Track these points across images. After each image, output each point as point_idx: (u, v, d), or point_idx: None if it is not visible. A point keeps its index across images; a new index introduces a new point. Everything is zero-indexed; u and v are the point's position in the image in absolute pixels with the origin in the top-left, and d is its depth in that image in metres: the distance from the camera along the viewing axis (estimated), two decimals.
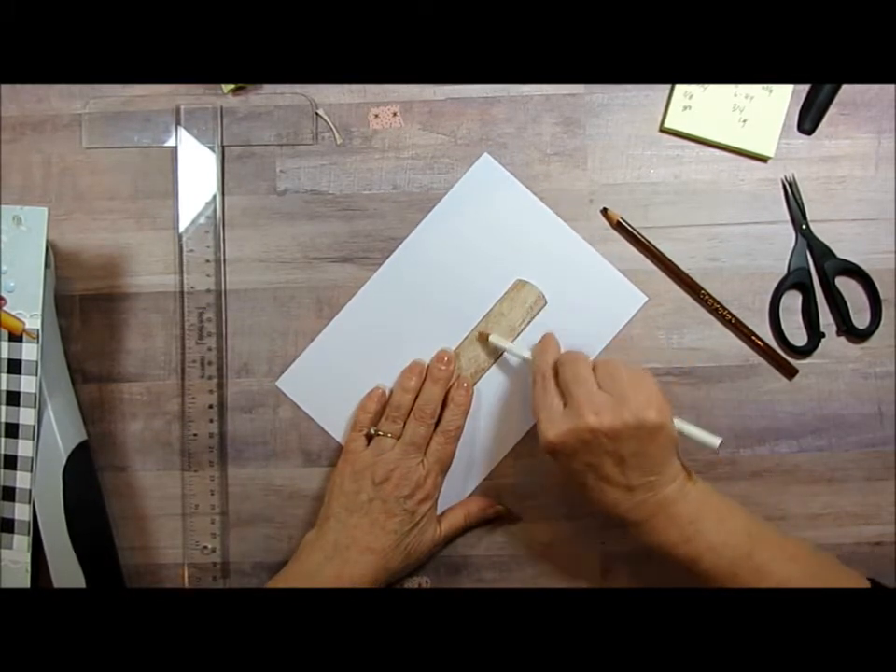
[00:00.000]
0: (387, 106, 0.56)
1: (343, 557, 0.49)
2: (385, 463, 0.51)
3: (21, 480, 0.51)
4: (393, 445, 0.51)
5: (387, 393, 0.54)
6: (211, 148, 0.55)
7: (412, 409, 0.53)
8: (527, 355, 0.52)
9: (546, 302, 0.55)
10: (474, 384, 0.55)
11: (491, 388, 0.55)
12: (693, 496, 0.46)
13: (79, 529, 0.52)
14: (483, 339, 0.54)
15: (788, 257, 0.55)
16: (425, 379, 0.53)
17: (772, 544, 0.46)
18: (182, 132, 0.55)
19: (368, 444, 0.52)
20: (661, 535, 0.46)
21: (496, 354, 0.55)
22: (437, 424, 0.53)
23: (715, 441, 0.47)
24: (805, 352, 0.55)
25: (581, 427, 0.45)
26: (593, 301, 0.55)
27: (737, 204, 0.55)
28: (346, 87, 0.56)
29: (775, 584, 0.44)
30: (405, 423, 0.52)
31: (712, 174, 0.56)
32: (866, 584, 0.45)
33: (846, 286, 0.55)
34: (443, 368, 0.53)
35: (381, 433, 0.52)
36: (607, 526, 0.55)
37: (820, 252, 0.55)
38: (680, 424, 0.47)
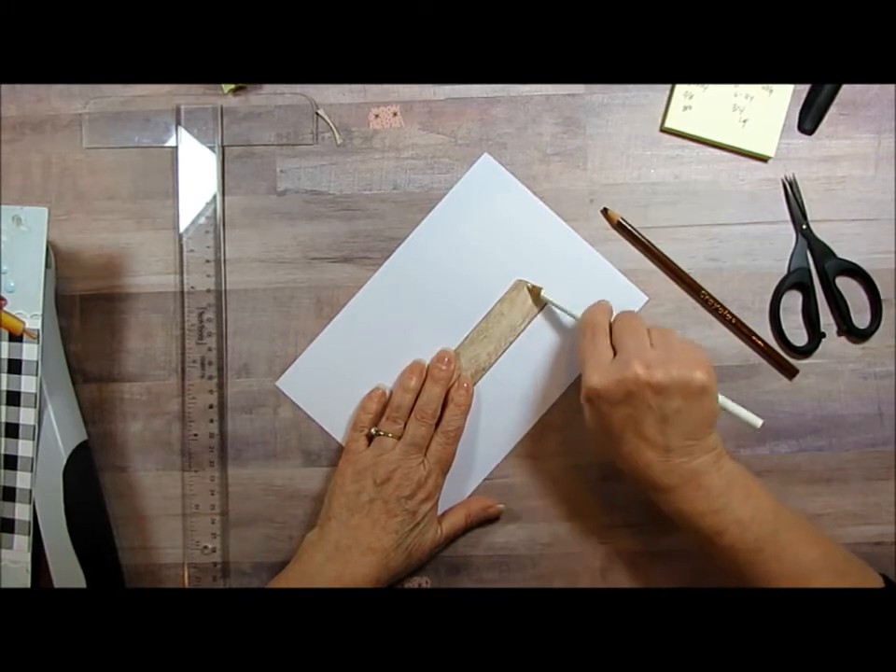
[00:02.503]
0: (387, 106, 0.56)
1: (344, 558, 0.49)
2: (387, 463, 0.51)
3: (22, 480, 0.51)
4: (394, 445, 0.51)
5: (388, 393, 0.54)
6: (211, 148, 0.55)
7: (412, 409, 0.53)
8: (578, 314, 0.52)
9: (546, 303, 0.55)
10: (474, 384, 0.55)
11: (491, 388, 0.55)
12: (726, 469, 0.46)
13: (79, 529, 0.52)
14: (535, 293, 0.54)
15: (788, 257, 0.55)
16: (425, 379, 0.53)
17: (797, 526, 0.46)
18: (182, 132, 0.55)
19: (369, 444, 0.52)
20: (689, 503, 0.46)
21: (496, 353, 0.55)
22: (437, 424, 0.53)
23: (757, 421, 0.48)
24: (805, 352, 0.55)
25: (628, 377, 0.45)
26: (593, 301, 0.55)
27: (737, 204, 0.55)
28: (346, 87, 0.56)
29: (794, 565, 0.44)
30: (406, 423, 0.52)
31: (712, 174, 0.56)
32: (880, 582, 0.45)
33: (846, 286, 0.55)
34: (444, 368, 0.53)
35: (382, 433, 0.52)
36: (607, 526, 0.55)
37: (821, 252, 0.55)
38: (724, 400, 0.48)
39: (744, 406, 0.55)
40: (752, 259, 0.55)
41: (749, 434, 0.55)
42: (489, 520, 0.55)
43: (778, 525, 0.45)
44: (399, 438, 0.52)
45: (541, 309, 0.55)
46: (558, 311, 0.54)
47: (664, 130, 0.56)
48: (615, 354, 0.47)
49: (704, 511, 0.45)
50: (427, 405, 0.52)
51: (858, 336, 0.55)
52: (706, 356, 0.46)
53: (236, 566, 0.55)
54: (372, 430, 0.52)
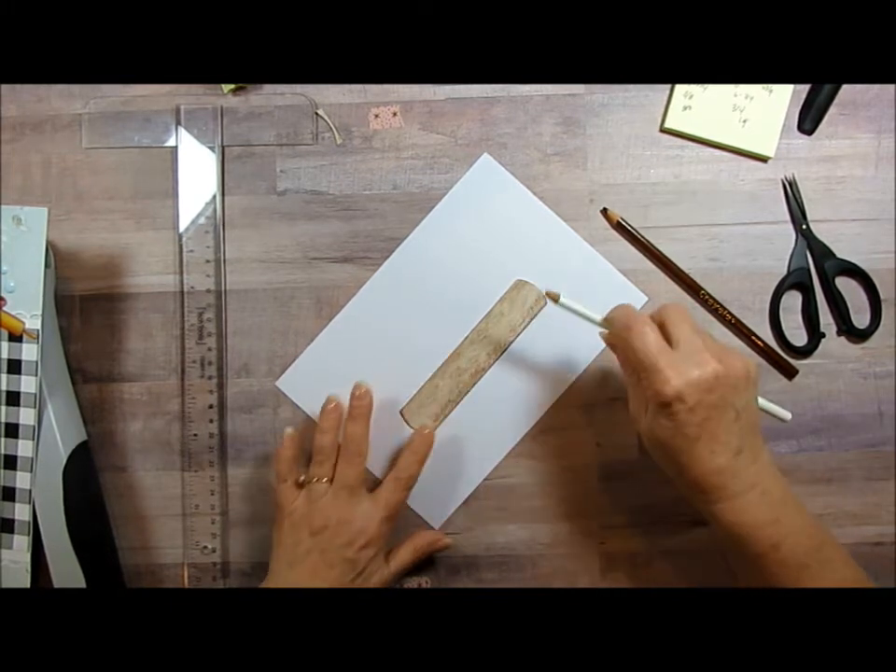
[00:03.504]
0: (387, 106, 0.56)
1: None
2: (321, 510, 0.49)
3: (21, 480, 0.51)
4: (326, 490, 0.50)
5: (298, 435, 0.52)
6: (211, 148, 0.55)
7: (337, 447, 0.51)
8: (598, 318, 0.48)
9: (546, 302, 0.55)
10: (474, 384, 0.55)
11: (491, 388, 0.55)
12: (779, 474, 0.45)
13: (79, 529, 0.52)
14: (553, 297, 0.49)
15: (788, 257, 0.55)
16: (346, 417, 0.52)
17: (834, 543, 0.45)
18: (182, 132, 0.55)
19: (300, 492, 0.51)
20: (753, 512, 0.43)
21: (496, 353, 0.55)
22: (391, 467, 0.52)
23: (787, 414, 0.49)
24: (804, 352, 0.55)
25: (708, 373, 0.42)
26: (593, 301, 0.55)
27: (737, 204, 0.55)
28: (346, 87, 0.56)
29: (835, 584, 0.43)
30: (334, 463, 0.51)
31: (712, 174, 0.56)
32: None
33: (846, 286, 0.55)
34: (359, 403, 0.52)
35: (313, 479, 0.50)
36: (607, 526, 0.55)
37: (820, 252, 0.55)
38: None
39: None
40: (752, 258, 0.55)
41: None
42: (437, 552, 0.54)
43: (823, 540, 0.44)
44: (329, 479, 0.50)
45: (540, 310, 0.55)
46: (577, 315, 0.50)
47: (663, 130, 0.56)
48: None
49: (766, 521, 0.43)
50: (352, 444, 0.50)
51: (858, 336, 0.55)
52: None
53: (236, 566, 0.55)
54: (301, 478, 0.51)
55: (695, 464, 0.43)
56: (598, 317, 0.48)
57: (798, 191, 0.55)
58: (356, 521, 0.49)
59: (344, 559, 0.49)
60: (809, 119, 0.55)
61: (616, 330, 0.46)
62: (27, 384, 0.50)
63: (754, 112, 0.55)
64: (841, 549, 0.45)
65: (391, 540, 0.52)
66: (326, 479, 0.51)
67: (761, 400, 0.48)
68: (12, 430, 0.50)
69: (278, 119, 0.56)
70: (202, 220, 0.55)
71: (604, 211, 0.55)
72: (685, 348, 0.43)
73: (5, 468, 0.51)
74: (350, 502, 0.50)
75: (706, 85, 0.55)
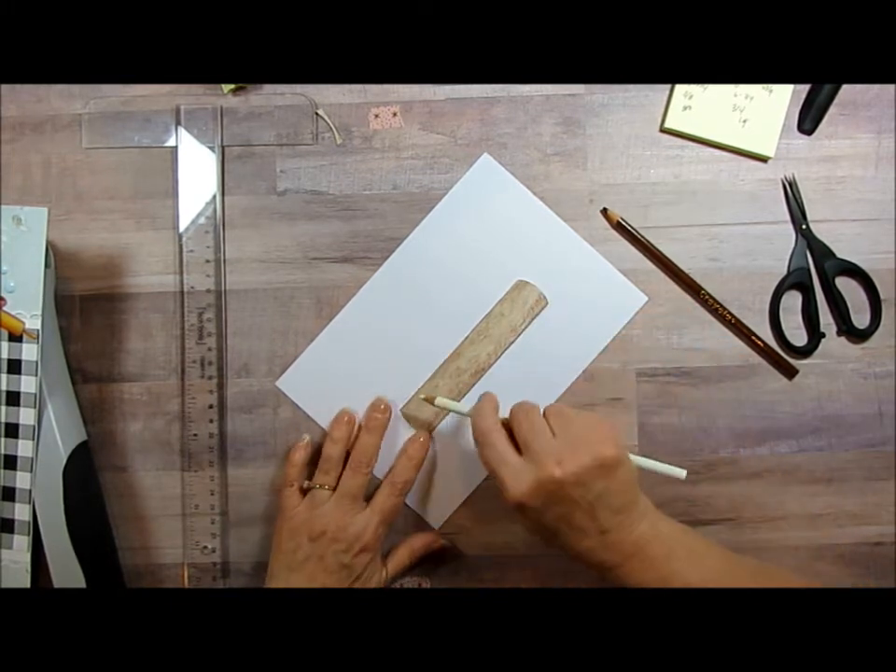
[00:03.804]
0: (387, 106, 0.56)
1: None
2: (321, 517, 0.50)
3: (21, 480, 0.51)
4: (328, 497, 0.51)
5: (312, 443, 0.54)
6: (211, 148, 0.55)
7: (344, 458, 0.52)
8: (466, 410, 0.51)
9: (547, 303, 0.55)
10: (474, 384, 0.55)
11: (491, 388, 0.55)
12: (666, 533, 0.45)
13: (79, 529, 0.52)
14: (430, 400, 0.52)
15: (788, 257, 0.55)
16: (358, 427, 0.53)
17: (746, 579, 0.45)
18: (182, 132, 0.55)
19: (303, 497, 0.52)
20: (638, 577, 0.45)
21: (496, 353, 0.55)
22: (388, 473, 0.52)
23: (681, 472, 0.47)
24: (804, 352, 0.55)
25: (545, 479, 0.43)
26: (593, 302, 0.55)
27: (737, 204, 0.55)
28: (346, 87, 0.56)
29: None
30: (340, 473, 0.51)
31: (712, 174, 0.56)
32: None
33: (846, 286, 0.55)
34: (378, 416, 0.53)
35: (316, 486, 0.51)
36: None
37: (820, 252, 0.55)
38: (641, 460, 0.47)
39: (744, 406, 0.55)
40: (752, 258, 0.55)
41: (750, 434, 0.55)
42: (435, 554, 0.54)
43: (731, 581, 0.45)
44: (332, 488, 0.51)
45: (541, 310, 0.55)
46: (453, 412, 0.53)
47: (663, 130, 0.56)
48: (520, 451, 0.46)
49: (654, 579, 0.44)
50: (363, 454, 0.51)
51: (858, 336, 0.55)
52: (606, 421, 0.46)
53: (236, 566, 0.55)
54: (305, 484, 0.52)
55: (567, 547, 0.46)
56: (466, 411, 0.51)
57: (798, 191, 0.55)
58: (353, 527, 0.50)
59: (342, 565, 0.49)
60: (809, 119, 0.55)
61: (473, 433, 0.48)
62: (27, 384, 0.50)
63: (754, 112, 0.55)
64: (756, 580, 0.45)
65: (387, 541, 0.52)
66: (329, 487, 0.51)
67: (649, 463, 0.47)
68: (12, 430, 0.50)
69: (278, 118, 0.56)
70: (202, 220, 0.55)
71: (604, 211, 0.55)
72: (529, 456, 0.45)
73: (5, 468, 0.51)
74: (350, 510, 0.50)
75: (706, 85, 0.55)
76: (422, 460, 0.53)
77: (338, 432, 0.53)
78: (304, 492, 0.52)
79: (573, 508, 0.44)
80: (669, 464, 0.47)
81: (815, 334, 0.55)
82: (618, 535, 0.45)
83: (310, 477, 0.53)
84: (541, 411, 0.47)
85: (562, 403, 0.50)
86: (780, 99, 0.55)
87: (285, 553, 0.50)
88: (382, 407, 0.53)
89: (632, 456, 0.46)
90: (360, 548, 0.50)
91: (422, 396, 0.54)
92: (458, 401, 0.55)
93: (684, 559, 0.45)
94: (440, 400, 0.52)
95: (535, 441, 0.45)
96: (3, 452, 0.50)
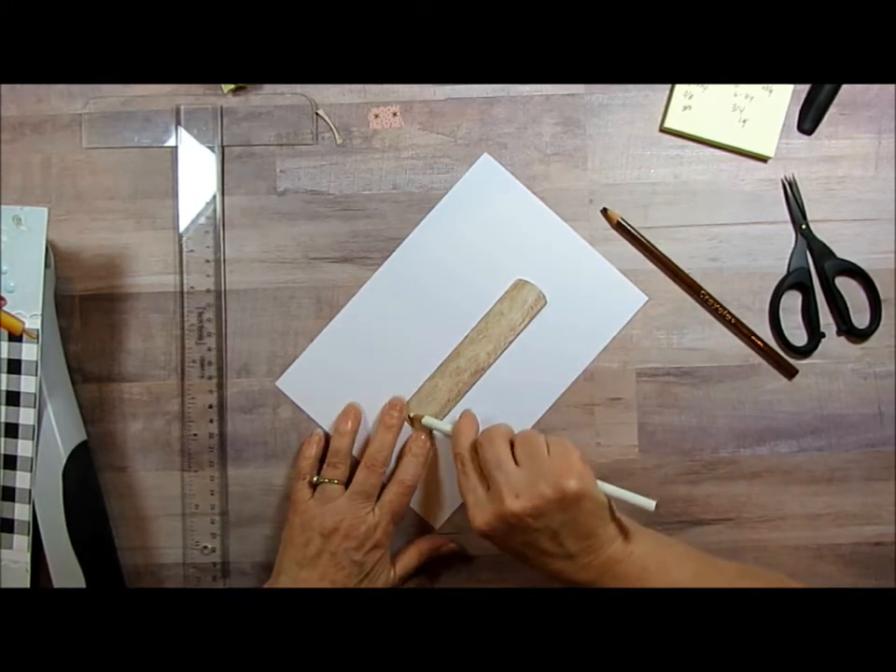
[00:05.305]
0: (387, 106, 0.56)
1: None
2: (333, 513, 0.50)
3: (21, 480, 0.51)
4: (339, 493, 0.51)
5: (325, 437, 0.54)
6: (211, 148, 0.55)
7: (350, 452, 0.52)
8: (448, 429, 0.52)
9: (546, 302, 0.55)
10: (473, 383, 0.55)
11: (490, 388, 0.55)
12: (638, 553, 0.46)
13: (79, 529, 0.52)
14: (417, 419, 0.54)
15: (788, 257, 0.55)
16: (378, 425, 0.53)
17: (724, 583, 0.45)
18: (182, 132, 0.55)
19: (313, 493, 0.52)
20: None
21: (496, 353, 0.55)
22: (392, 472, 0.53)
23: (650, 504, 0.46)
24: (804, 352, 0.55)
25: (505, 513, 0.45)
26: (593, 301, 0.55)
27: (737, 204, 0.55)
28: (346, 87, 0.56)
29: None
30: (347, 467, 0.52)
31: (712, 174, 0.56)
32: None
33: (846, 286, 0.55)
34: (396, 415, 0.53)
35: (325, 480, 0.51)
36: None
37: (820, 252, 0.55)
38: (609, 489, 0.46)
39: (744, 406, 0.55)
40: (752, 259, 0.55)
41: (750, 434, 0.55)
42: (443, 557, 0.55)
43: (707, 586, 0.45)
44: (342, 482, 0.51)
45: (540, 310, 0.55)
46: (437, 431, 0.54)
47: (663, 130, 0.56)
48: (487, 484, 0.47)
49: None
50: (379, 452, 0.52)
51: (857, 336, 0.55)
52: (573, 452, 0.46)
53: (236, 566, 0.55)
54: (314, 478, 0.52)
55: (539, 569, 0.47)
56: (448, 430, 0.52)
57: (798, 191, 0.55)
58: (365, 525, 0.50)
59: (353, 562, 0.50)
60: (809, 118, 0.55)
61: (453, 458, 0.50)
62: (27, 384, 0.50)
63: (754, 112, 0.55)
64: (732, 584, 0.45)
65: (394, 542, 0.52)
66: (338, 481, 0.51)
67: (619, 492, 0.46)
68: (12, 430, 0.50)
69: (278, 118, 0.56)
70: (202, 220, 0.55)
71: (604, 211, 0.55)
72: (492, 489, 0.46)
73: (5, 468, 0.51)
74: (362, 508, 0.50)
75: (706, 85, 0.55)
76: (427, 458, 0.54)
77: (344, 425, 0.53)
78: (313, 487, 0.52)
79: (536, 536, 0.45)
80: (639, 493, 0.46)
81: (815, 334, 0.55)
82: (586, 558, 0.45)
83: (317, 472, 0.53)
84: (509, 437, 0.48)
85: (533, 430, 0.51)
86: (780, 99, 0.55)
87: (296, 548, 0.50)
88: (400, 406, 0.54)
89: (601, 484, 0.46)
90: (372, 545, 0.50)
91: (410, 414, 0.54)
92: (458, 401, 0.55)
93: (655, 575, 0.45)
94: (425, 420, 0.53)
95: (495, 474, 0.46)
96: (3, 452, 0.50)
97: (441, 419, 0.55)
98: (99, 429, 0.55)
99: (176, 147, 0.55)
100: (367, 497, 0.51)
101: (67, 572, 0.51)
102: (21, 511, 0.51)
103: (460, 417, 0.52)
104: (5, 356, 0.50)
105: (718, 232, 0.55)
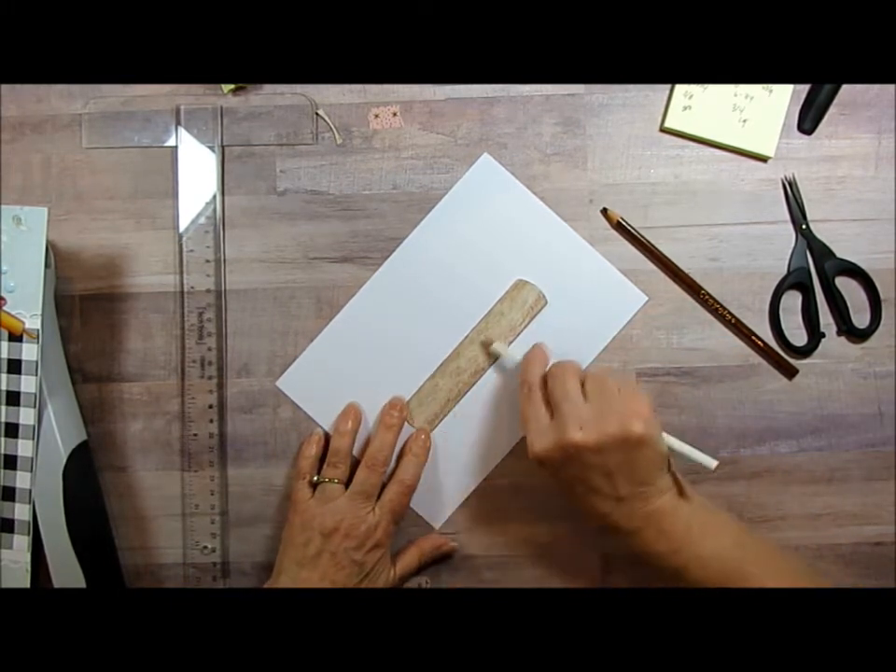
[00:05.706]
0: (387, 106, 0.56)
1: None
2: (333, 513, 0.50)
3: (21, 480, 0.51)
4: (340, 493, 0.51)
5: (325, 437, 0.54)
6: (211, 148, 0.55)
7: (350, 451, 0.52)
8: (519, 358, 0.52)
9: (546, 302, 0.55)
10: (474, 383, 0.55)
11: (490, 388, 0.55)
12: (685, 511, 0.46)
13: (79, 529, 0.52)
14: (486, 345, 0.54)
15: (788, 257, 0.55)
16: (378, 425, 0.53)
17: (762, 558, 0.46)
18: (182, 132, 0.55)
19: (314, 492, 0.52)
20: (651, 545, 0.46)
21: (495, 355, 0.55)
22: (392, 472, 0.53)
23: (712, 463, 0.47)
24: (804, 352, 0.55)
25: (565, 442, 0.45)
26: (593, 301, 0.55)
27: (737, 204, 0.55)
28: (346, 87, 0.56)
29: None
30: (346, 466, 0.52)
31: (712, 174, 0.56)
32: None
33: (846, 286, 0.55)
34: (396, 415, 0.53)
35: (325, 480, 0.51)
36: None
37: (820, 252, 0.55)
38: (674, 442, 0.47)
39: (744, 406, 0.55)
40: (752, 259, 0.55)
41: (750, 434, 0.55)
42: (443, 557, 0.55)
43: (743, 558, 0.46)
44: (342, 482, 0.51)
45: (540, 310, 0.55)
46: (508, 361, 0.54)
47: (663, 130, 0.56)
48: (552, 413, 0.47)
49: (664, 552, 0.46)
50: (379, 452, 0.52)
51: (857, 336, 0.55)
52: (644, 397, 0.46)
53: (236, 566, 0.55)
54: (315, 478, 0.52)
55: (584, 507, 0.48)
56: (518, 359, 0.52)
57: (798, 191, 0.55)
58: (365, 524, 0.50)
59: (353, 561, 0.50)
60: (809, 118, 0.55)
61: (519, 385, 0.50)
62: (27, 384, 0.50)
63: (754, 112, 0.55)
64: (774, 562, 0.46)
65: (394, 542, 0.52)
66: (338, 481, 0.51)
67: (683, 447, 0.47)
68: (12, 430, 0.50)
69: (278, 118, 0.56)
70: (202, 220, 0.55)
71: (604, 211, 0.55)
72: (556, 418, 0.46)
73: (5, 468, 0.51)
74: (363, 507, 0.50)
75: (706, 85, 0.55)
76: (426, 457, 0.54)
77: (344, 425, 0.53)
78: (313, 486, 0.52)
79: (591, 472, 0.46)
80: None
81: (815, 334, 0.55)
82: (634, 504, 0.46)
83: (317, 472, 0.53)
84: (580, 374, 0.48)
85: (607, 370, 0.52)
86: (780, 99, 0.55)
87: (296, 547, 0.50)
88: (400, 406, 0.54)
89: (665, 436, 0.47)
90: (372, 545, 0.50)
91: (481, 339, 0.54)
92: (458, 401, 0.55)
93: (698, 534, 0.46)
94: (494, 346, 0.54)
95: (563, 404, 0.46)
96: (3, 452, 0.50)
97: (442, 419, 0.55)
98: (99, 429, 0.55)
99: (176, 146, 0.55)
100: (367, 497, 0.51)
101: (67, 572, 0.51)
102: (21, 511, 0.51)
103: (533, 347, 0.53)
104: (5, 356, 0.50)
105: (718, 232, 0.55)
